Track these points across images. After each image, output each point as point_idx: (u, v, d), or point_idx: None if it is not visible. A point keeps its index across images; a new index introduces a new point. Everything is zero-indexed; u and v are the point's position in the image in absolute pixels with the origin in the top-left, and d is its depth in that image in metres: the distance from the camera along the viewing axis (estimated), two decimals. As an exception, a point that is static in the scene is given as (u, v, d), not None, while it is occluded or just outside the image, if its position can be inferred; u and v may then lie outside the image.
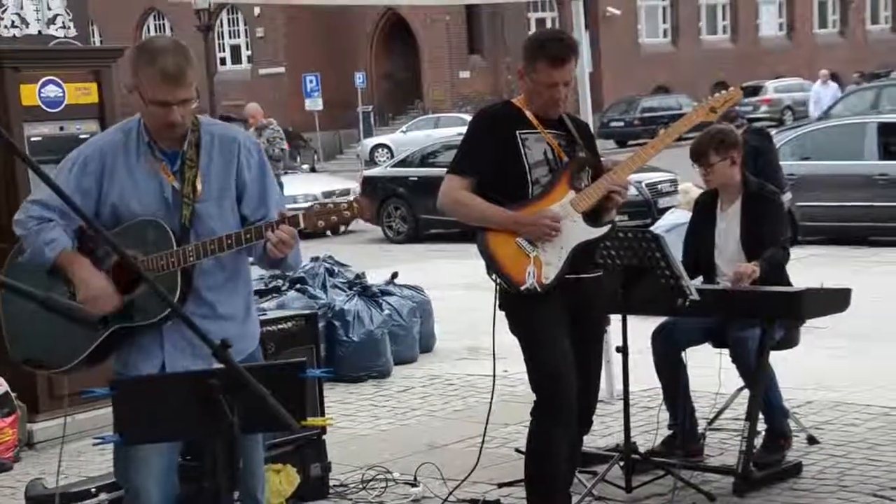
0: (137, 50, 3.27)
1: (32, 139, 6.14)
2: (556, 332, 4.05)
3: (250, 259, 3.40)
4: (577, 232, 4.06)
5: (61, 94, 6.25)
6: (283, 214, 3.14)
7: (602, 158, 4.33)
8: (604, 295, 4.28)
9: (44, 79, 6.18)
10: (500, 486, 4.94)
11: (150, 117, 3.23)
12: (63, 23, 6.36)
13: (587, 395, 4.18)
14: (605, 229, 4.13)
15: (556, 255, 4.02)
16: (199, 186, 3.24)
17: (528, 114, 4.12)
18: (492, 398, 4.55)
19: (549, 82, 4.03)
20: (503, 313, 4.15)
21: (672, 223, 9.21)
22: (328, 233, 11.31)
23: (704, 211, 5.29)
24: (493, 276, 4.09)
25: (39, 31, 6.30)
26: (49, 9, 6.32)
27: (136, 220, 3.24)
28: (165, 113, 3.17)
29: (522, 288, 4.01)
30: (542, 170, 4.10)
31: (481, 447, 4.61)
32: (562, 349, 4.04)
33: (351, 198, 3.22)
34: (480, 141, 4.13)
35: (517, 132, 4.09)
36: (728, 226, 5.16)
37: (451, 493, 4.76)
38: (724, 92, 4.34)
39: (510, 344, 4.25)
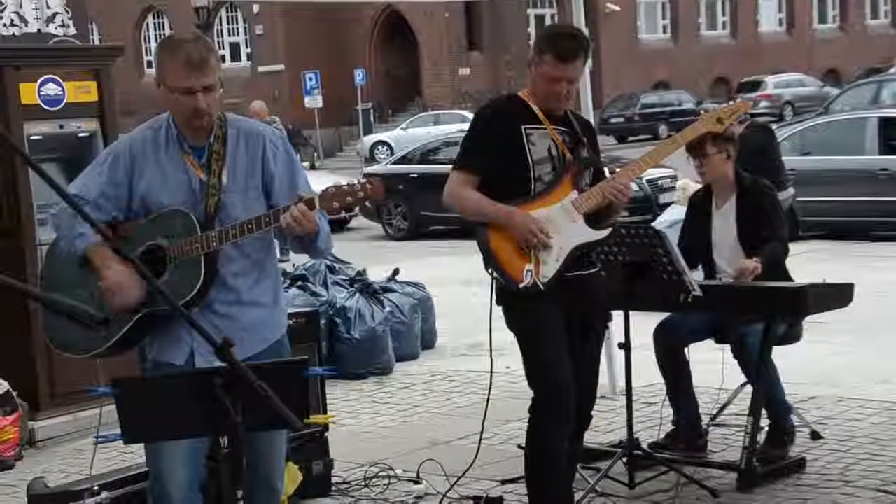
0: (161, 44, 3.39)
1: (32, 138, 6.14)
2: (554, 330, 4.04)
3: (286, 248, 3.51)
4: (578, 233, 4.04)
5: (61, 93, 6.24)
6: (299, 196, 3.21)
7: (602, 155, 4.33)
8: (602, 290, 4.27)
9: (43, 77, 6.17)
10: (504, 482, 4.94)
11: (177, 107, 3.32)
12: (62, 21, 6.35)
13: (586, 391, 4.17)
14: (605, 232, 4.12)
15: (554, 255, 4.01)
16: (224, 178, 3.34)
17: (535, 107, 4.09)
18: (489, 394, 4.54)
19: (553, 76, 4.00)
20: (501, 308, 4.15)
21: (673, 219, 9.19)
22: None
23: (698, 210, 5.28)
24: (491, 272, 4.08)
25: (39, 30, 6.29)
26: (48, 7, 6.31)
27: (165, 209, 3.34)
28: (190, 100, 3.26)
29: (521, 286, 3.99)
30: (546, 167, 4.08)
31: (479, 443, 4.61)
32: (559, 346, 4.03)
33: (364, 180, 3.27)
34: (484, 136, 4.11)
35: (522, 127, 4.06)
36: (724, 223, 5.14)
37: (449, 489, 4.74)
38: (731, 103, 4.34)
39: (511, 340, 4.25)
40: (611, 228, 4.16)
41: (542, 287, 3.99)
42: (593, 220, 4.10)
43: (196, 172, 3.35)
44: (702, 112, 4.43)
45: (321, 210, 3.22)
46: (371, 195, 3.21)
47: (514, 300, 4.07)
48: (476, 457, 4.60)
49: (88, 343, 3.40)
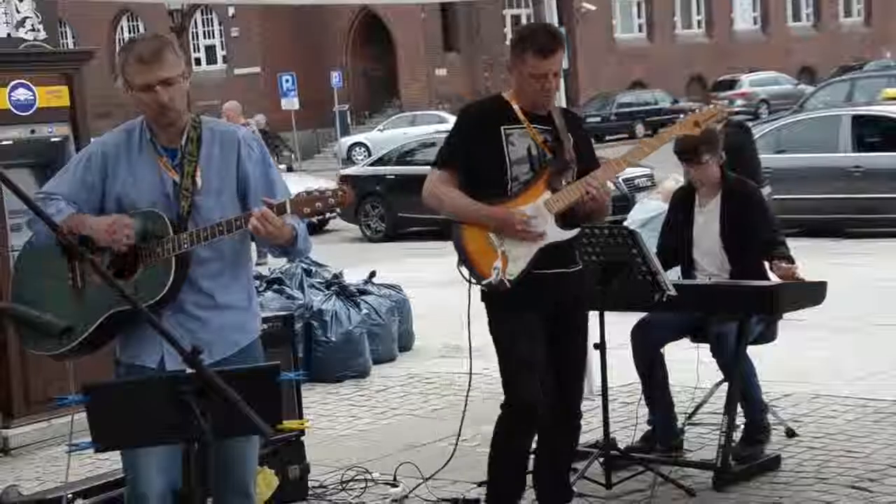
0: (121, 49, 3.41)
1: (3, 143, 6.10)
2: (530, 336, 4.09)
3: (265, 251, 3.48)
4: (548, 233, 4.09)
5: (32, 98, 6.19)
6: (269, 202, 3.20)
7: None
8: (584, 287, 4.30)
9: (14, 82, 6.12)
10: (481, 484, 4.92)
11: (143, 106, 3.32)
12: (32, 25, 6.31)
13: (569, 387, 4.22)
14: (573, 232, 4.18)
15: (523, 254, 4.08)
16: (198, 180, 3.32)
17: (516, 108, 4.15)
18: (467, 396, 4.61)
19: (539, 73, 4.06)
20: (484, 305, 4.18)
21: (646, 217, 9.22)
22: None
23: (681, 206, 5.29)
24: (461, 268, 4.13)
25: (8, 34, 6.25)
26: (18, 12, 6.26)
27: (138, 211, 3.32)
28: (152, 97, 3.26)
29: (485, 282, 4.06)
30: (524, 167, 4.14)
31: (456, 445, 4.60)
32: (533, 355, 4.08)
33: (337, 186, 3.27)
34: (463, 135, 4.19)
35: (502, 127, 4.12)
36: (707, 221, 5.15)
37: (414, 488, 4.74)
38: (710, 107, 4.36)
39: (489, 341, 4.25)
40: (578, 229, 4.21)
41: (507, 285, 4.03)
42: (565, 220, 4.12)
43: (169, 174, 3.34)
44: (680, 116, 4.43)
45: (293, 214, 3.20)
46: (342, 202, 3.20)
47: (495, 298, 4.11)
48: (451, 457, 4.61)
49: (54, 342, 3.37)
